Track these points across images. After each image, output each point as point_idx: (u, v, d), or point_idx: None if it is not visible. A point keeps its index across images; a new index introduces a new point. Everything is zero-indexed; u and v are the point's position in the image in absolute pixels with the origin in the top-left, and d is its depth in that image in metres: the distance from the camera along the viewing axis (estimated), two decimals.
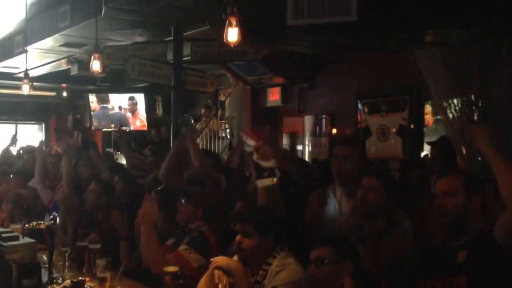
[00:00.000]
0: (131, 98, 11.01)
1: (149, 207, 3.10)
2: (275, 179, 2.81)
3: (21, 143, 8.19)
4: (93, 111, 11.42)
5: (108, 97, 11.27)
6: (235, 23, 3.21)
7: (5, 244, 3.12)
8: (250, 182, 3.65)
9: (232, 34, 3.26)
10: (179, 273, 2.78)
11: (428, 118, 5.99)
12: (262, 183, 2.83)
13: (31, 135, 13.98)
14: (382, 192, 2.68)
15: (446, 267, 2.20)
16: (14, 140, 7.78)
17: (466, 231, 2.20)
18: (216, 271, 2.52)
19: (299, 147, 9.11)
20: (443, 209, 2.21)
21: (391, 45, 4.84)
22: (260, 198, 2.94)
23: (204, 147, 9.48)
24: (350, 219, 2.95)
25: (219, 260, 2.56)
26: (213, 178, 4.11)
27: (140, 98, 10.97)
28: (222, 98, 9.63)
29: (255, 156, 2.82)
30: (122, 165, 6.02)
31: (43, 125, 14.39)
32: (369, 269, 2.42)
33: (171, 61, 6.56)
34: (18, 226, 3.77)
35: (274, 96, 8.09)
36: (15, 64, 8.51)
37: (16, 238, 3.25)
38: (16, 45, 7.90)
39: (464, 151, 4.45)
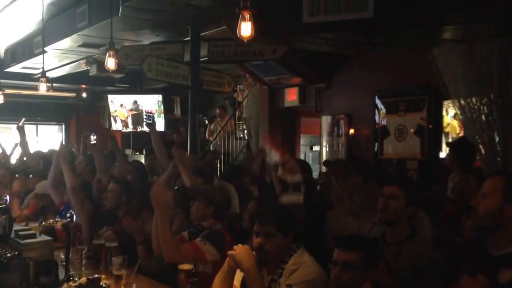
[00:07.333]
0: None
1: (159, 189, 2.97)
2: (300, 197, 2.78)
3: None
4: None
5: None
6: (248, 17, 3.15)
7: (22, 242, 3.16)
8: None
9: (246, 29, 3.20)
10: (193, 271, 2.78)
11: None
12: (287, 199, 2.81)
13: (52, 135, 14.19)
14: (403, 200, 2.68)
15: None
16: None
17: (509, 240, 2.03)
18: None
19: (317, 148, 9.05)
20: (474, 211, 2.13)
21: (408, 42, 4.76)
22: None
23: (222, 147, 9.48)
24: (376, 228, 2.95)
25: (238, 250, 2.52)
26: None
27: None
28: (239, 98, 9.60)
29: (279, 171, 2.79)
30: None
31: (63, 126, 14.56)
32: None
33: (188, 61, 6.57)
34: (37, 224, 3.81)
35: (291, 96, 8.02)
36: (35, 65, 8.59)
37: (33, 236, 3.29)
38: (35, 45, 7.96)
39: (483, 151, 4.36)
